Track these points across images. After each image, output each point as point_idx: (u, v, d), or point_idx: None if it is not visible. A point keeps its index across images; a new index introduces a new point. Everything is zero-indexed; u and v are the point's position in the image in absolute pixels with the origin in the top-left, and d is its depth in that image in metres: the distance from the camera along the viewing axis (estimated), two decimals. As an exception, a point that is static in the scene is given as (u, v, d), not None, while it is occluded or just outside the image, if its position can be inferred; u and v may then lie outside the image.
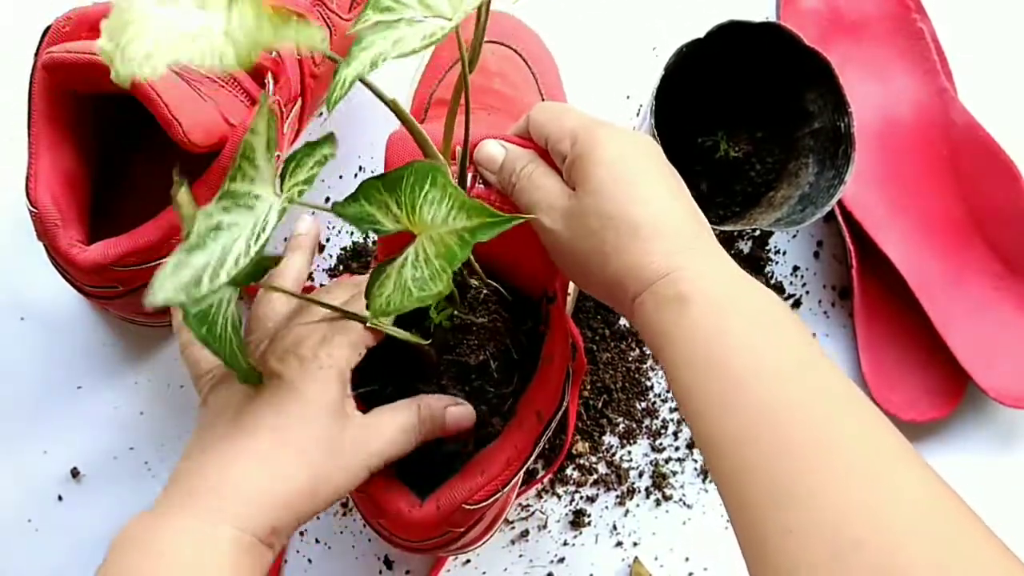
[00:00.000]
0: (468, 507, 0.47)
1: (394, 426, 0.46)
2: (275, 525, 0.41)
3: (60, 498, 0.63)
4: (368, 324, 0.46)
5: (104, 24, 0.32)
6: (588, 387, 0.65)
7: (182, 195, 0.37)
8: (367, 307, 0.41)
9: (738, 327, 0.38)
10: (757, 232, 0.67)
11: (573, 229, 0.42)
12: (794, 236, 0.68)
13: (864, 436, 0.35)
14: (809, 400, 0.36)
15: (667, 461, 0.65)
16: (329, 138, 0.38)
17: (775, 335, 0.38)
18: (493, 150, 0.47)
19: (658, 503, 0.65)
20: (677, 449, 0.65)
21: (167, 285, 0.33)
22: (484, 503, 0.48)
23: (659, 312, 0.40)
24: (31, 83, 0.53)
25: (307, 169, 0.37)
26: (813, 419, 0.35)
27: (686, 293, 0.39)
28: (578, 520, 0.64)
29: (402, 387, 0.50)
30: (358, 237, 0.66)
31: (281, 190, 0.37)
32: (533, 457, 0.49)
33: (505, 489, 0.48)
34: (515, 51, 0.62)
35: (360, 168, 0.67)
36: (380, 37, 0.35)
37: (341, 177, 0.67)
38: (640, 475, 0.65)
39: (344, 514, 0.64)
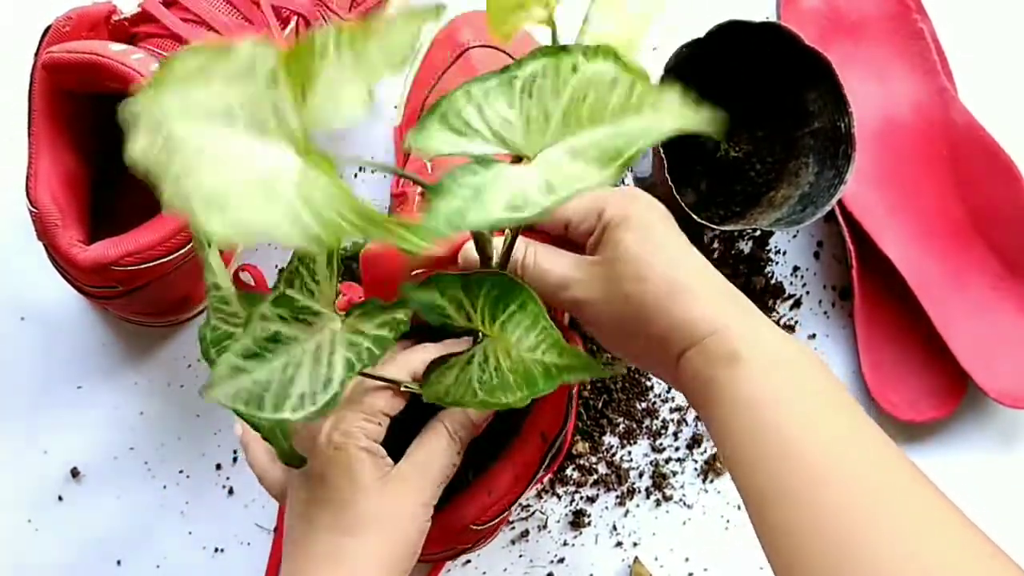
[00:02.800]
0: (475, 527, 0.47)
1: (432, 456, 0.45)
2: None
3: (60, 498, 0.63)
4: (402, 388, 0.45)
5: (136, 121, 0.28)
6: (588, 387, 0.65)
7: (213, 260, 0.37)
8: (421, 388, 0.41)
9: (791, 388, 0.39)
10: (757, 232, 0.67)
11: (608, 297, 0.42)
12: (794, 236, 0.68)
13: (910, 501, 0.36)
14: (861, 465, 0.37)
15: (667, 461, 0.65)
16: (402, 304, 0.37)
17: (826, 398, 0.39)
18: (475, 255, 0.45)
19: (658, 503, 0.65)
20: (677, 449, 0.65)
21: (224, 389, 0.32)
22: (490, 523, 0.48)
23: (709, 368, 0.40)
24: (31, 83, 0.53)
25: (375, 326, 0.36)
26: (865, 484, 0.36)
27: (738, 351, 0.39)
28: (578, 520, 0.64)
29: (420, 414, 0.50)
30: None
31: (344, 317, 0.36)
32: (539, 475, 0.49)
33: (511, 507, 0.48)
34: (508, 55, 0.62)
35: (360, 168, 0.67)
36: (458, 185, 0.32)
37: (341, 176, 0.67)
38: (640, 475, 0.65)
39: (344, 514, 0.64)
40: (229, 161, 0.28)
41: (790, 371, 0.40)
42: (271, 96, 0.28)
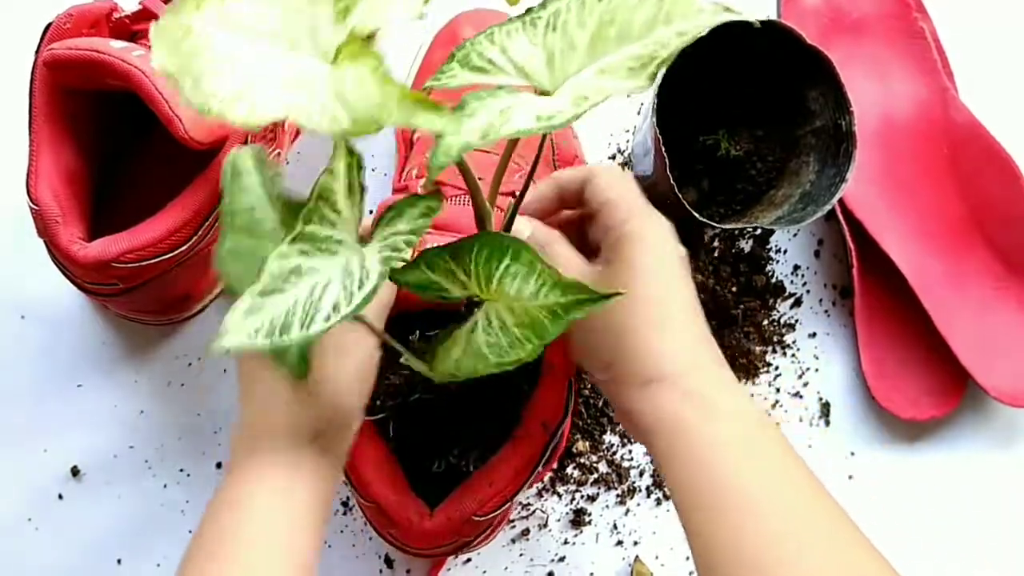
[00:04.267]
0: (477, 518, 0.47)
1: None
2: (312, 428, 0.41)
3: (60, 497, 0.63)
4: (402, 360, 0.44)
5: (157, 37, 0.29)
6: (589, 385, 0.65)
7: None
8: (430, 368, 0.40)
9: (752, 441, 0.41)
10: (758, 231, 0.67)
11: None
12: (795, 235, 0.68)
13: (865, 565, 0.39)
14: (822, 535, 0.39)
15: (668, 460, 0.65)
16: (436, 194, 0.36)
17: (792, 467, 0.41)
18: (520, 226, 0.47)
19: (659, 502, 0.65)
20: (678, 448, 0.65)
21: (240, 329, 0.31)
22: (492, 514, 0.47)
23: (676, 404, 0.41)
24: (32, 80, 0.53)
25: (411, 219, 0.36)
26: (827, 553, 0.39)
27: (708, 396, 0.41)
28: (579, 519, 0.64)
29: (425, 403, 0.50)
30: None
31: (372, 237, 0.36)
32: (540, 467, 0.49)
33: (513, 499, 0.48)
34: None
35: (371, 156, 0.67)
36: (483, 106, 0.33)
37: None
38: (641, 474, 0.65)
39: (345, 513, 0.64)
40: (256, 66, 0.29)
41: (751, 423, 0.41)
42: (309, 14, 0.29)
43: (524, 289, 0.37)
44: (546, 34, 0.35)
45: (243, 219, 0.38)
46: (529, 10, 0.36)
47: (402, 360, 0.43)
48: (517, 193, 0.44)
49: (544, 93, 0.35)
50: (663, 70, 0.57)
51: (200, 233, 0.54)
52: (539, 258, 0.37)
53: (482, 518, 0.47)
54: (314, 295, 0.33)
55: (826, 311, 0.68)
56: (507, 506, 0.48)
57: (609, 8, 0.34)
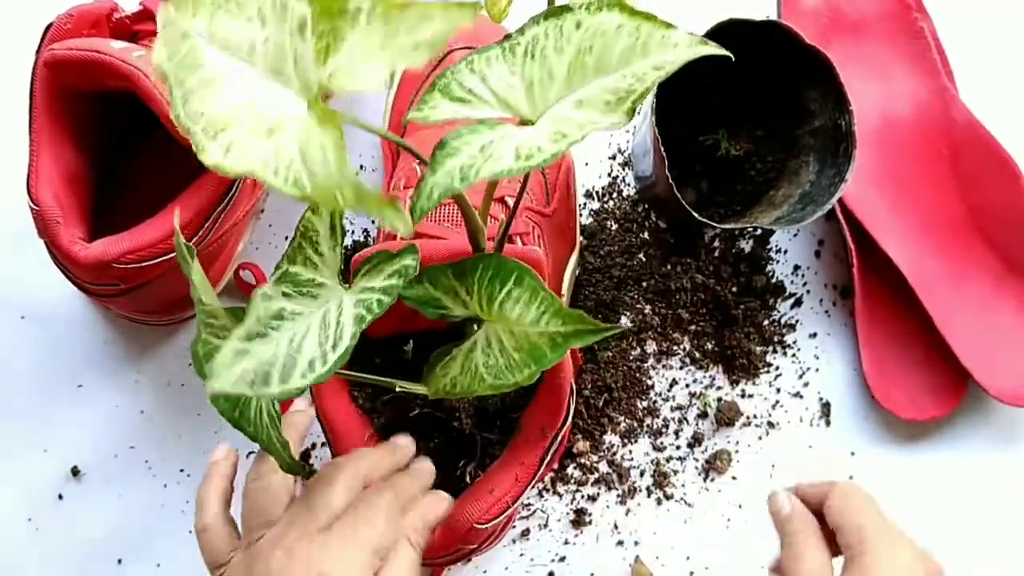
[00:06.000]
0: (479, 526, 0.47)
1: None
2: None
3: (60, 497, 0.63)
4: (398, 389, 0.44)
5: (163, 29, 0.29)
6: (589, 386, 0.65)
7: (196, 273, 0.35)
8: (425, 384, 0.40)
9: None
10: (758, 231, 0.67)
11: None
12: (795, 235, 0.68)
13: None
14: None
15: (668, 460, 0.65)
16: (412, 249, 0.36)
17: None
18: (782, 500, 0.47)
19: (659, 502, 0.65)
20: (678, 448, 0.65)
21: (227, 374, 0.31)
22: (494, 521, 0.47)
23: None
24: (32, 80, 0.53)
25: (383, 277, 0.36)
26: None
27: None
28: (579, 519, 0.64)
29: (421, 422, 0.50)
30: (359, 236, 0.66)
31: (348, 286, 0.36)
32: (541, 471, 0.49)
33: (514, 505, 0.48)
34: None
35: (361, 167, 0.67)
36: (464, 143, 0.33)
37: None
38: (641, 474, 0.65)
39: (345, 513, 0.64)
40: (240, 91, 0.29)
41: None
42: (295, 44, 0.29)
43: (525, 314, 0.37)
44: (525, 62, 0.34)
45: (201, 311, 0.38)
46: (508, 36, 0.35)
47: (397, 389, 0.43)
48: (506, 199, 0.44)
49: (527, 122, 0.34)
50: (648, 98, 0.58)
51: (201, 233, 0.54)
52: (542, 285, 0.37)
53: (484, 525, 0.47)
54: (293, 346, 0.33)
55: (826, 311, 0.68)
56: (509, 512, 0.48)
57: (587, 36, 0.33)
